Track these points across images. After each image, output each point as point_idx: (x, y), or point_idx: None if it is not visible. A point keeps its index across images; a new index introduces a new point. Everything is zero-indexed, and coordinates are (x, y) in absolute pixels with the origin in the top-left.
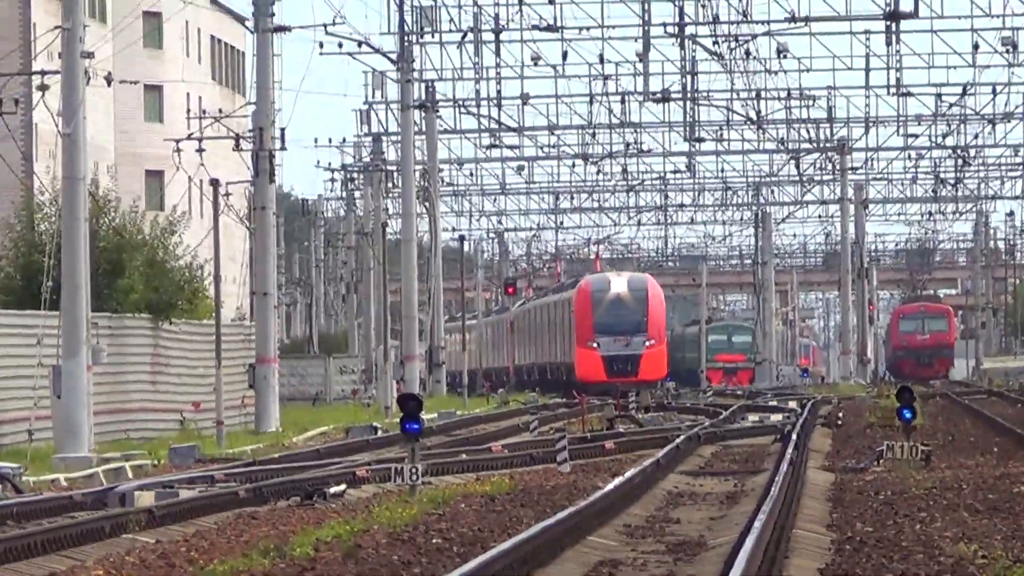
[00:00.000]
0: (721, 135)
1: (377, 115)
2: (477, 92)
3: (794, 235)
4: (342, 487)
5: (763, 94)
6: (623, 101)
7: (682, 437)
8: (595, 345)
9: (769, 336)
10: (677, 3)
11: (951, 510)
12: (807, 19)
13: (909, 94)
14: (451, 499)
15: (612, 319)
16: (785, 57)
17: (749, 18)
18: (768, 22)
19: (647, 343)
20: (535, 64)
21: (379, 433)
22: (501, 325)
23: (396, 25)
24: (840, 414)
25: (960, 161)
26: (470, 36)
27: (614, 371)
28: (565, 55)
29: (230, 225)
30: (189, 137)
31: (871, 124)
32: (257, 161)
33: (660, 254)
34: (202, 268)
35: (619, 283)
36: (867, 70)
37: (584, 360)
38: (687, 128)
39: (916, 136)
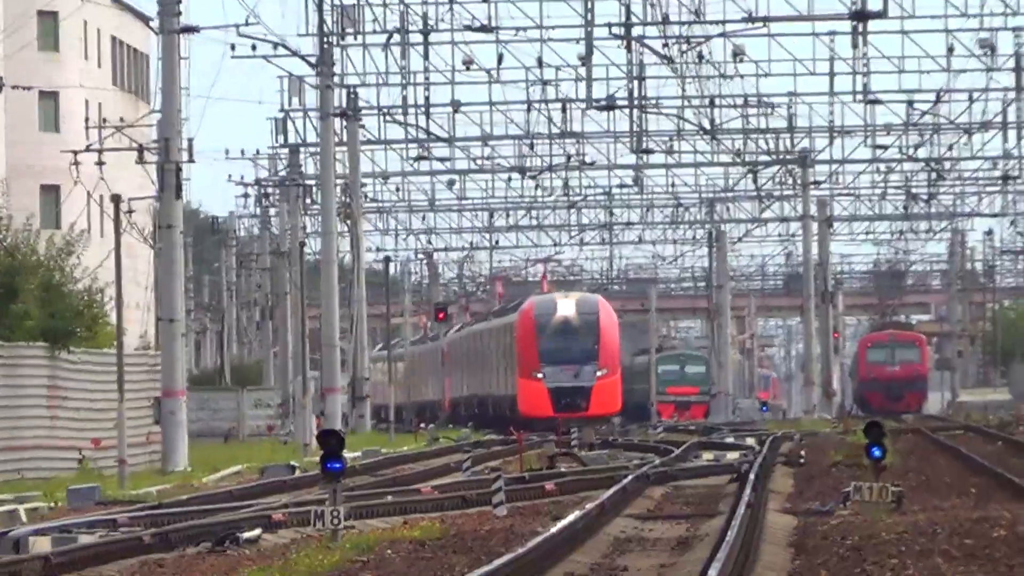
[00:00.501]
0: (671, 146)
1: (294, 124)
2: (404, 99)
3: (752, 256)
4: (257, 532)
5: (717, 101)
6: (564, 109)
7: (630, 477)
8: (540, 376)
9: (725, 367)
10: (623, 2)
11: (925, 556)
12: (765, 19)
13: (877, 101)
14: (376, 545)
15: (559, 346)
16: (741, 61)
17: (702, 18)
18: (723, 22)
19: (599, 373)
20: (467, 68)
21: (297, 473)
22: (432, 354)
23: (315, 26)
24: (803, 452)
25: (933, 174)
26: (396, 37)
27: (561, 405)
28: (500, 58)
29: (133, 245)
30: (88, 148)
31: (836, 134)
32: (163, 175)
33: (605, 276)
34: (102, 292)
35: (567, 305)
36: (831, 75)
37: (528, 392)
38: (634, 139)
39: (885, 147)
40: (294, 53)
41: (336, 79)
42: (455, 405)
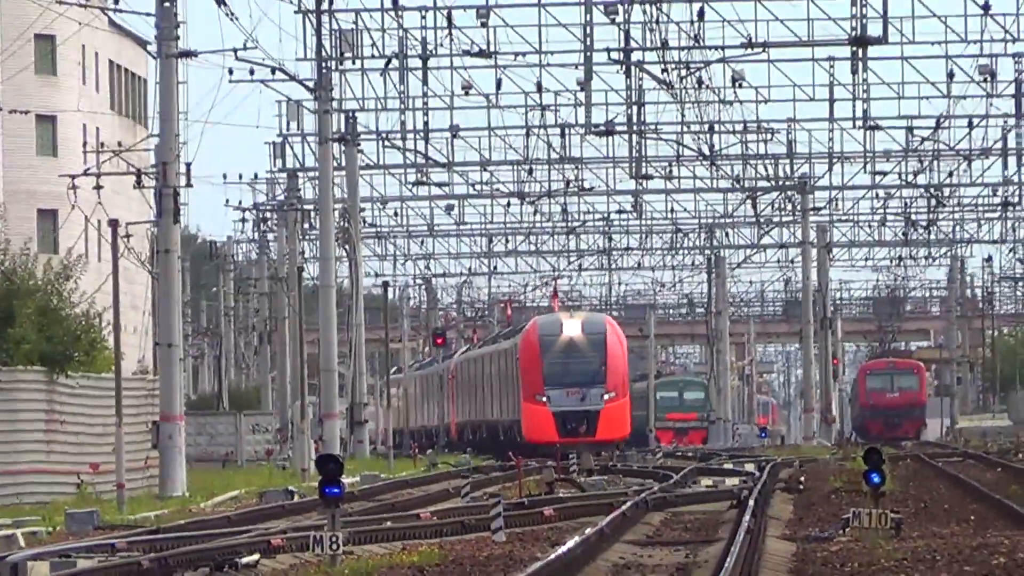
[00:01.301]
0: (671, 172)
1: (292, 148)
2: (402, 124)
3: (751, 282)
4: (255, 557)
5: (717, 127)
6: (563, 134)
7: (629, 503)
8: (544, 399)
9: (724, 393)
10: (622, 27)
11: None
12: (765, 45)
13: (877, 127)
14: (375, 570)
15: (564, 368)
16: (741, 86)
17: (701, 43)
18: (722, 48)
19: (606, 396)
20: (466, 93)
21: (296, 498)
22: (430, 379)
23: (313, 50)
24: (802, 478)
25: (933, 201)
26: (395, 62)
27: (567, 430)
28: (499, 83)
29: (131, 270)
30: (86, 173)
31: (835, 160)
32: (160, 199)
33: (604, 302)
34: (100, 316)
35: (572, 325)
36: (831, 101)
37: (532, 417)
38: (633, 164)
39: (885, 174)
40: (292, 78)
41: (334, 104)
42: (461, 430)
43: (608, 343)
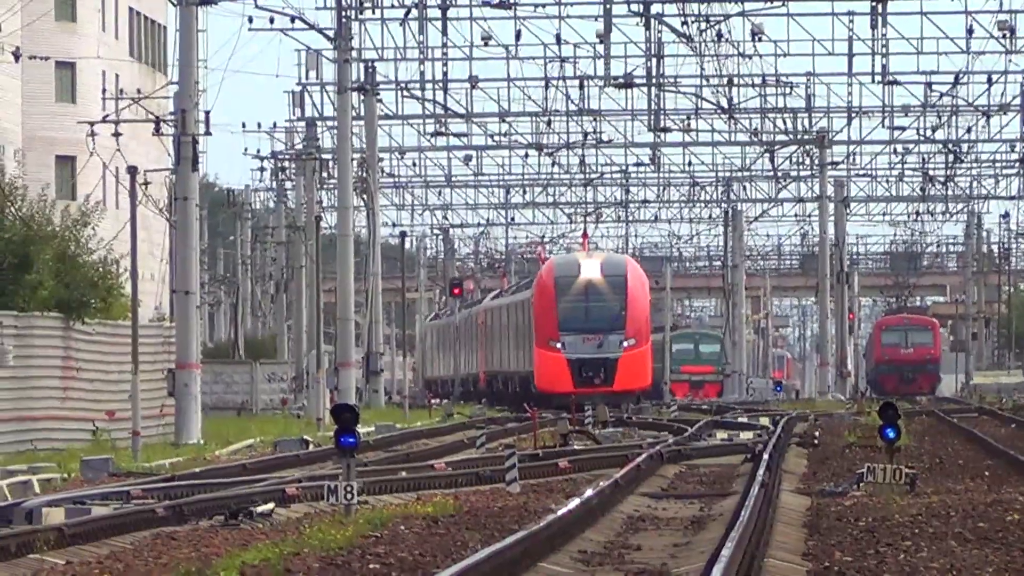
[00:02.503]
0: (689, 125)
1: (311, 98)
2: (421, 74)
3: (768, 235)
4: (270, 506)
5: (736, 80)
6: (582, 86)
7: (643, 456)
8: (559, 346)
9: (739, 346)
10: None
11: (938, 539)
12: None
13: (896, 82)
14: (390, 520)
15: (581, 312)
16: (760, 40)
17: None
18: (742, 1)
19: (625, 343)
20: (485, 44)
21: (311, 447)
22: (445, 329)
23: None
24: (817, 432)
25: (951, 156)
26: (414, 12)
27: (583, 379)
28: (518, 35)
29: (149, 217)
30: (105, 119)
31: (854, 115)
32: (179, 147)
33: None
34: (118, 263)
35: (591, 266)
36: (850, 55)
37: (545, 365)
38: (651, 117)
39: (903, 129)
40: (312, 26)
41: (354, 53)
42: (490, 380)
43: (629, 286)
